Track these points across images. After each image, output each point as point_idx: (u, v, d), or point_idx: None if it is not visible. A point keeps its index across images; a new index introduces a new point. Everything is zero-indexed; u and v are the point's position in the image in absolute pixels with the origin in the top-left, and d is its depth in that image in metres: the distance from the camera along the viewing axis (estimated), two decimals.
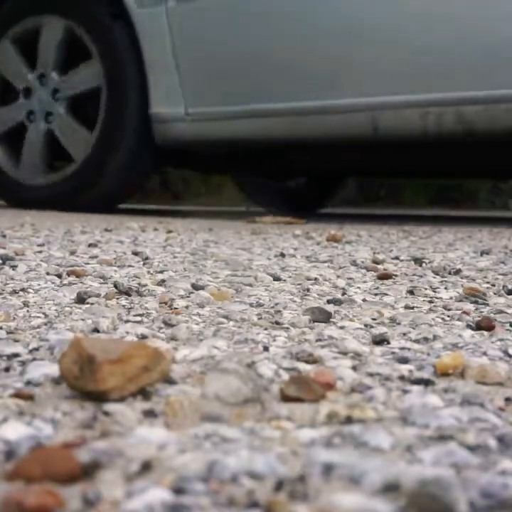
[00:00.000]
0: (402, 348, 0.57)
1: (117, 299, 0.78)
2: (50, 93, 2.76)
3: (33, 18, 2.76)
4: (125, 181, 2.76)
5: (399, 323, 0.69)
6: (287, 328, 0.65)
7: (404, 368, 0.50)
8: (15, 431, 0.36)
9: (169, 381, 0.46)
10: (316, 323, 0.67)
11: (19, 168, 2.82)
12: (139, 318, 0.68)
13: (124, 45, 2.61)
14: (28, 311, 0.70)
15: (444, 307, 0.78)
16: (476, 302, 0.81)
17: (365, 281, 0.97)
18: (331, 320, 0.69)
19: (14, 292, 0.80)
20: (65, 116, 2.74)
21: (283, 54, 2.43)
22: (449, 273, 1.07)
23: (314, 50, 2.39)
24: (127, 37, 2.60)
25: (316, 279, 0.97)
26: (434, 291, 0.89)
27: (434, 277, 1.03)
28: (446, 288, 0.92)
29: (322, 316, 0.69)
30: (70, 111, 2.74)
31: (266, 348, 0.56)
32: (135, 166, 2.73)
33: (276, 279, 0.97)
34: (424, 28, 2.20)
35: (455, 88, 2.16)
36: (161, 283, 0.89)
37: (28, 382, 0.45)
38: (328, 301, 0.79)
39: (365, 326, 0.67)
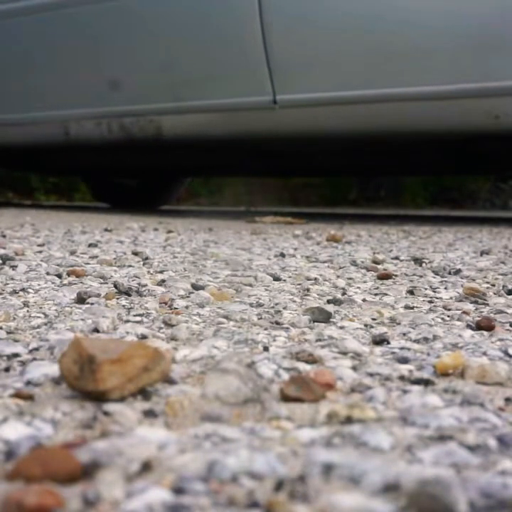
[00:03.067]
0: (402, 348, 0.57)
1: (117, 299, 0.78)
2: None
3: None
4: None
5: (399, 323, 0.69)
6: (287, 328, 0.65)
7: (404, 368, 0.50)
8: (15, 431, 0.35)
9: (169, 381, 0.46)
10: (316, 323, 0.67)
11: None
12: (139, 318, 0.68)
13: None
14: (28, 311, 0.70)
15: (444, 307, 0.78)
16: (476, 302, 0.81)
17: (365, 281, 0.97)
18: (331, 320, 0.69)
19: (14, 292, 0.80)
20: None
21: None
22: (449, 273, 1.07)
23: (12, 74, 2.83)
24: None
25: (316, 279, 0.97)
26: (434, 291, 0.89)
27: (434, 277, 1.02)
28: (446, 288, 0.92)
29: (322, 316, 0.69)
30: None
31: (266, 348, 0.56)
32: None
33: (276, 279, 0.97)
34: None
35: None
36: (161, 283, 0.89)
37: (28, 382, 0.45)
38: (328, 301, 0.79)
39: (365, 326, 0.67)
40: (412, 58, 2.15)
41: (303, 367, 0.50)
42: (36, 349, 0.54)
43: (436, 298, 0.84)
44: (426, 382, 0.47)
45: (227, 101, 2.43)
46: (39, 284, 0.87)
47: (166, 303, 0.76)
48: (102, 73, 2.67)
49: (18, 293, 0.80)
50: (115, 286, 0.83)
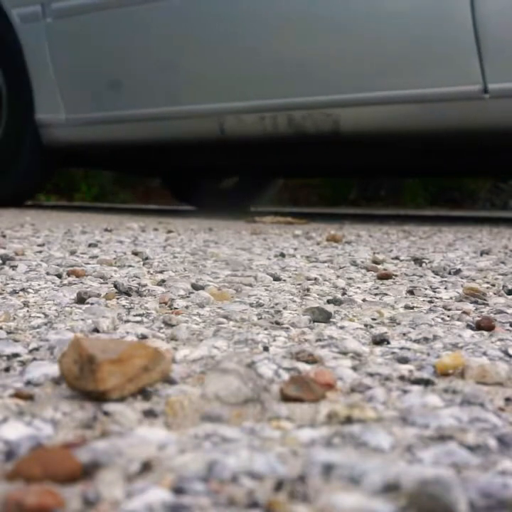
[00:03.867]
0: (402, 348, 0.57)
1: (117, 299, 0.78)
2: None
3: None
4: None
5: (399, 323, 0.69)
6: (287, 328, 0.65)
7: (404, 368, 0.50)
8: (15, 431, 0.35)
9: (169, 381, 0.46)
10: (316, 323, 0.67)
11: None
12: (139, 318, 0.68)
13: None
14: (28, 311, 0.70)
15: (444, 307, 0.78)
16: (476, 302, 0.81)
17: (365, 281, 0.97)
18: (331, 320, 0.69)
19: (14, 292, 0.80)
20: None
21: (140, 66, 2.59)
22: (449, 273, 1.07)
23: (161, 63, 2.53)
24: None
25: (316, 279, 0.97)
26: (434, 291, 0.89)
27: (434, 277, 1.02)
28: (446, 288, 0.92)
29: (322, 316, 0.69)
30: None
31: (266, 348, 0.56)
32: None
33: (276, 279, 0.97)
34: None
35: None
36: (161, 283, 0.89)
37: (28, 382, 0.45)
38: (328, 301, 0.79)
39: (365, 326, 0.67)
40: None
41: (303, 367, 0.50)
42: (36, 349, 0.54)
43: (436, 298, 0.84)
44: (426, 382, 0.47)
45: (424, 91, 2.11)
46: (39, 284, 0.87)
47: (166, 303, 0.76)
48: (266, 60, 2.34)
49: (18, 293, 0.80)
50: (115, 286, 0.83)
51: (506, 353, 0.55)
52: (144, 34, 2.55)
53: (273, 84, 2.35)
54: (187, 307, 0.74)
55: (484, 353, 0.55)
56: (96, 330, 0.62)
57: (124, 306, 0.74)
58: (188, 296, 0.79)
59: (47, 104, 2.73)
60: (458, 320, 0.71)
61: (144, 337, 0.60)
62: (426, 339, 0.61)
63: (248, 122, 2.40)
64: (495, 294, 0.88)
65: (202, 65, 2.46)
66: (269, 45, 2.35)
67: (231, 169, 3.47)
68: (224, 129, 2.43)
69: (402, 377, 0.49)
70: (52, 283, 0.88)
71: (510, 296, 0.86)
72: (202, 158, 2.95)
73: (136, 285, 0.85)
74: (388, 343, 0.59)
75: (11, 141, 2.80)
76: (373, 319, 0.71)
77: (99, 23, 2.63)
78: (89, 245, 1.40)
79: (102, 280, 0.92)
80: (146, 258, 1.19)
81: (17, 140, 2.79)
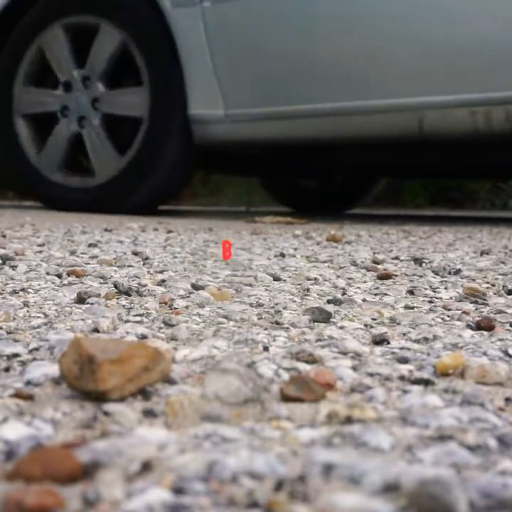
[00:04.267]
0: (402, 348, 0.57)
1: (117, 299, 0.78)
2: (90, 99, 2.64)
3: (92, 18, 2.62)
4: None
5: (399, 323, 0.69)
6: (287, 328, 0.65)
7: (404, 368, 0.50)
8: (15, 431, 0.35)
9: (169, 381, 0.46)
10: (316, 323, 0.67)
11: (40, 155, 2.75)
12: (139, 318, 0.68)
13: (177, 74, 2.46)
14: (28, 311, 0.70)
15: (444, 307, 0.78)
16: (476, 302, 0.81)
17: (365, 281, 0.97)
18: (331, 320, 0.69)
19: (14, 292, 0.80)
20: (99, 128, 2.64)
21: (319, 54, 2.26)
22: (449, 273, 1.07)
23: (348, 49, 2.22)
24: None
25: (316, 279, 0.97)
26: (434, 291, 0.89)
27: (434, 277, 1.02)
28: (446, 288, 0.92)
29: (322, 316, 0.69)
30: (105, 125, 2.64)
31: (266, 348, 0.56)
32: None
33: (276, 279, 0.97)
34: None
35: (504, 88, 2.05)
36: (161, 283, 0.89)
37: (28, 382, 0.45)
38: (328, 301, 0.79)
39: (365, 326, 0.67)
40: None
41: (303, 367, 0.50)
42: (36, 349, 0.54)
43: (436, 298, 0.84)
44: (426, 382, 0.47)
45: None
46: (39, 284, 0.87)
47: (166, 303, 0.76)
48: (479, 45, 2.02)
49: (18, 293, 0.80)
50: (115, 286, 0.83)
51: (506, 353, 0.55)
52: (319, 18, 2.27)
53: (486, 75, 2.05)
54: (187, 307, 0.74)
55: (484, 353, 0.55)
56: (96, 330, 0.62)
57: (124, 306, 0.74)
58: (188, 296, 0.80)
59: (203, 98, 2.44)
60: (458, 320, 0.71)
61: (144, 337, 0.60)
62: (426, 339, 0.61)
63: (454, 118, 2.11)
64: (495, 294, 0.88)
65: (397, 51, 2.16)
66: (485, 26, 2.03)
67: (337, 169, 3.22)
68: (423, 126, 2.15)
69: (402, 377, 0.49)
70: (52, 283, 0.88)
71: (510, 296, 0.86)
72: (389, 158, 2.66)
73: (136, 285, 0.85)
74: (388, 343, 0.59)
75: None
76: (373, 319, 0.71)
77: (267, 7, 2.34)
78: (89, 245, 1.40)
79: (102, 280, 0.92)
80: (146, 258, 1.19)
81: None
